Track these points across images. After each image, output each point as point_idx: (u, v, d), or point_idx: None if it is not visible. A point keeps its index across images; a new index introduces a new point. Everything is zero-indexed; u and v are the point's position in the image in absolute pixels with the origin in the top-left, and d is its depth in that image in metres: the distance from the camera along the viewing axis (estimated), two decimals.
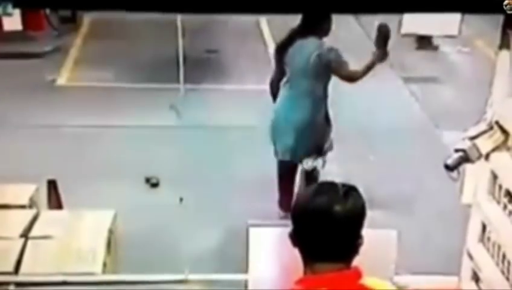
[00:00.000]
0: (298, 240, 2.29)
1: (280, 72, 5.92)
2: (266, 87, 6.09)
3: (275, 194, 6.07)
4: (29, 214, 4.67)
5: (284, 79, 5.86)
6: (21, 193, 4.89)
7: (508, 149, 3.44)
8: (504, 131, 3.41)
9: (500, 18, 3.25)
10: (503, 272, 3.43)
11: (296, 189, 5.99)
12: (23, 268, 4.22)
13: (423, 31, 9.90)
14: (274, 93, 5.98)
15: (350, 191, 2.27)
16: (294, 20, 5.64)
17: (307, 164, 5.75)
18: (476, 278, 3.72)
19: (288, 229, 2.31)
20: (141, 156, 7.16)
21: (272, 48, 9.95)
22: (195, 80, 7.97)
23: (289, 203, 4.21)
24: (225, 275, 4.45)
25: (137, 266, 4.71)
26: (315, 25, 5.63)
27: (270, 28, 11.37)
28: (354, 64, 5.72)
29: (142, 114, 8.22)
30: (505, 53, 3.40)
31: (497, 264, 3.49)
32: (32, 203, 4.87)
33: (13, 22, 9.18)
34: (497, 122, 3.43)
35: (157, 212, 5.98)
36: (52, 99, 8.80)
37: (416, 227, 5.76)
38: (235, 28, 11.15)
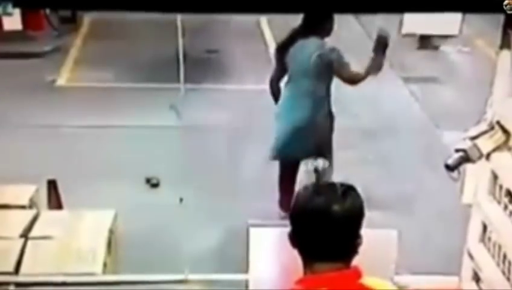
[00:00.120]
0: (297, 240, 2.29)
1: (280, 71, 5.93)
2: (266, 87, 6.09)
3: (275, 194, 6.07)
4: (29, 214, 4.67)
5: (285, 79, 5.86)
6: (21, 193, 4.89)
7: (509, 149, 3.43)
8: (505, 131, 3.41)
9: (501, 18, 3.24)
10: (503, 273, 3.43)
11: (296, 189, 5.98)
12: (23, 268, 4.22)
13: (424, 31, 9.90)
14: (274, 92, 5.98)
15: (348, 190, 2.27)
16: (295, 20, 5.63)
17: (308, 164, 5.75)
18: (476, 278, 3.72)
19: (288, 229, 2.31)
20: (141, 156, 7.16)
21: (272, 48, 9.96)
22: (196, 79, 7.97)
23: (290, 203, 4.19)
24: (225, 275, 4.45)
25: (137, 266, 4.71)
26: (317, 24, 5.63)
27: (271, 27, 11.37)
28: (355, 65, 5.72)
29: (142, 114, 8.22)
30: (505, 53, 3.40)
31: (498, 265, 3.49)
32: (32, 204, 4.87)
33: (13, 21, 9.18)
34: (498, 122, 3.43)
35: (157, 213, 5.98)
36: (52, 99, 8.80)
37: (416, 227, 5.75)
38: (236, 27, 11.14)
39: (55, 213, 5.04)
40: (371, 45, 5.69)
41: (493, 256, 3.55)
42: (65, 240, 4.45)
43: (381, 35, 5.55)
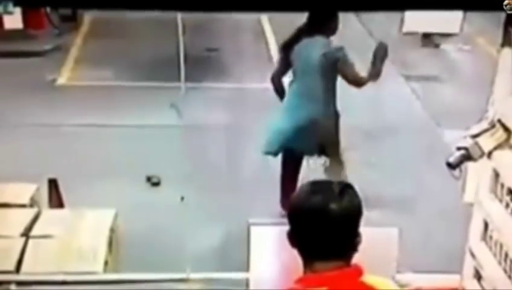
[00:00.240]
0: (296, 239, 2.29)
1: (283, 68, 5.93)
2: (268, 85, 6.08)
3: (277, 193, 6.06)
4: (30, 213, 4.67)
5: (290, 78, 5.86)
6: (22, 192, 4.89)
7: (510, 147, 3.42)
8: (506, 129, 3.40)
9: (502, 16, 3.23)
10: (505, 271, 3.42)
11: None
12: (24, 267, 4.22)
13: (425, 29, 9.88)
14: (276, 88, 5.98)
15: (346, 189, 2.27)
16: (297, 18, 5.61)
17: (312, 162, 5.76)
18: (478, 276, 3.71)
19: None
20: (142, 155, 7.16)
21: (273, 46, 9.95)
22: (196, 78, 7.96)
23: None
24: (226, 274, 4.44)
25: (138, 264, 4.71)
26: (322, 23, 5.62)
27: (272, 26, 11.36)
28: (357, 64, 5.72)
29: (142, 113, 8.22)
30: (506, 51, 3.39)
31: (499, 263, 3.49)
32: (33, 202, 4.87)
33: (14, 20, 9.18)
34: (499, 121, 3.42)
35: (158, 211, 5.98)
36: (53, 98, 8.80)
37: (418, 225, 5.74)
38: (236, 26, 11.13)
39: (56, 212, 5.04)
40: (372, 43, 5.70)
41: (495, 254, 3.55)
42: (66, 238, 4.45)
43: (380, 46, 5.61)
